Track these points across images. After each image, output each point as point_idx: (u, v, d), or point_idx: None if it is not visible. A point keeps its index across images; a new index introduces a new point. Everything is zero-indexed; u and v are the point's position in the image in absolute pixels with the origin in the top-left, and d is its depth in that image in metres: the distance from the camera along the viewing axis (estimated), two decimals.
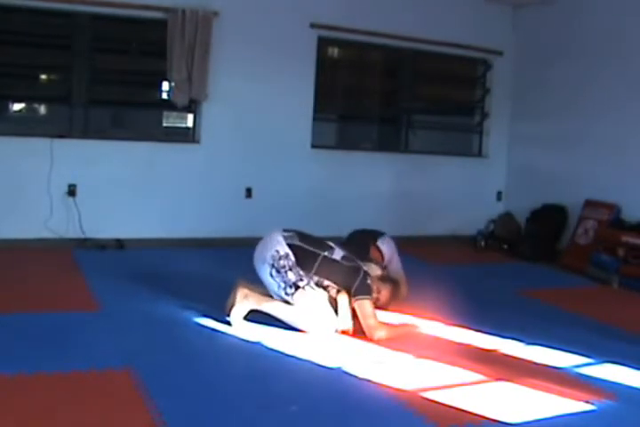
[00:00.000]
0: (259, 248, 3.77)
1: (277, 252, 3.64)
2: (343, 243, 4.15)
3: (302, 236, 3.77)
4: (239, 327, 3.61)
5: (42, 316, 3.68)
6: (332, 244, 3.80)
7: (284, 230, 3.78)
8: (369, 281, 3.69)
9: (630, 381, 3.18)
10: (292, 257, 3.63)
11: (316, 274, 3.64)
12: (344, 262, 3.69)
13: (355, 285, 3.62)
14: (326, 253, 3.68)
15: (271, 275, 3.63)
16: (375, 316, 3.63)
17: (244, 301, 3.66)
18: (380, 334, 3.58)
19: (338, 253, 3.72)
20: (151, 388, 2.76)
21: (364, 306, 3.61)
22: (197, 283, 4.57)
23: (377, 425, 2.62)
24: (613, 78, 5.94)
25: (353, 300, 3.62)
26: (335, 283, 3.67)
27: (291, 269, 3.61)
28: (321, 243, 3.77)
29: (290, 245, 3.66)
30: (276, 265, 3.62)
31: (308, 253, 3.66)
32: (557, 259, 6.13)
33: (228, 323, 3.65)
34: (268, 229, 3.88)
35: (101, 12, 5.52)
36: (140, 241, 5.70)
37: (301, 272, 3.62)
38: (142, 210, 5.79)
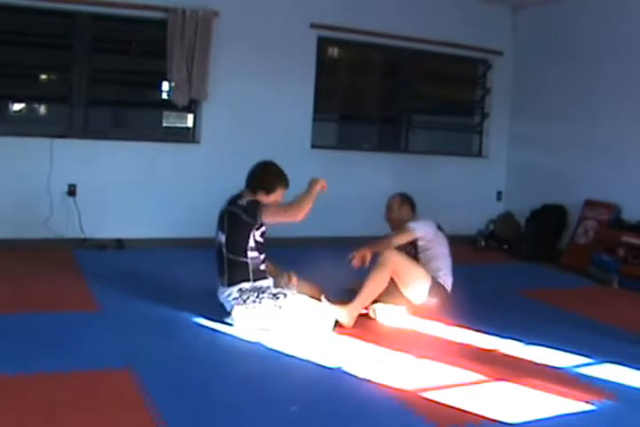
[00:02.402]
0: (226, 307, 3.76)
1: (236, 299, 3.63)
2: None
3: (216, 269, 3.77)
4: (240, 327, 3.62)
5: (42, 316, 3.68)
6: (217, 237, 3.79)
7: (218, 279, 3.77)
8: (249, 198, 3.66)
9: (630, 381, 3.18)
10: (245, 285, 3.63)
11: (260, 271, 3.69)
12: (227, 232, 3.69)
13: (249, 213, 3.59)
14: (225, 251, 3.68)
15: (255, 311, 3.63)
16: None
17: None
18: (297, 211, 3.53)
19: (221, 236, 3.73)
20: (151, 388, 2.76)
21: (277, 209, 3.61)
22: (197, 283, 4.56)
23: (377, 425, 2.62)
24: (613, 78, 5.94)
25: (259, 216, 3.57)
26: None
27: (261, 297, 3.60)
28: (217, 253, 3.77)
29: (231, 284, 3.65)
30: (249, 306, 3.60)
31: (237, 268, 3.65)
32: (557, 259, 6.13)
33: (229, 323, 3.66)
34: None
35: (101, 11, 5.52)
36: (139, 241, 5.70)
37: (273, 291, 3.64)
38: (142, 210, 5.79)
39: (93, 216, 5.56)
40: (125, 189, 5.71)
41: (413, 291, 3.96)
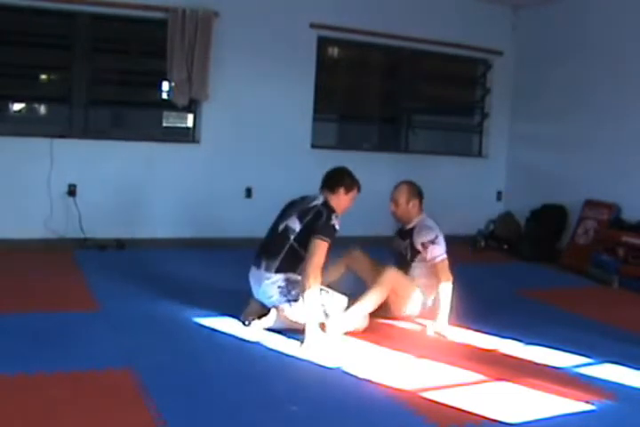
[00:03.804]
0: (259, 294, 3.63)
1: (280, 288, 3.55)
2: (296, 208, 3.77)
3: (267, 251, 3.62)
4: (255, 331, 3.60)
5: (42, 316, 3.68)
6: (286, 222, 3.62)
7: (261, 262, 3.61)
8: (334, 222, 3.52)
9: (630, 381, 3.18)
10: (294, 276, 3.53)
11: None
12: (306, 223, 3.56)
13: (318, 226, 3.48)
14: (292, 238, 3.55)
15: (284, 302, 3.56)
16: (321, 262, 3.43)
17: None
18: (313, 282, 3.37)
19: (295, 224, 3.58)
20: (151, 387, 2.76)
21: (322, 247, 3.41)
22: (197, 283, 4.57)
23: (377, 425, 2.62)
24: (613, 78, 5.94)
25: (313, 238, 3.44)
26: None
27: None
28: (280, 236, 3.60)
29: (279, 271, 3.55)
30: (290, 297, 3.53)
31: (293, 257, 3.54)
32: (557, 259, 6.13)
33: (243, 322, 3.67)
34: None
35: (101, 11, 5.53)
36: (140, 241, 5.70)
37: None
38: (142, 210, 5.79)
39: (93, 216, 5.56)
40: (125, 189, 5.71)
41: (408, 307, 3.90)
